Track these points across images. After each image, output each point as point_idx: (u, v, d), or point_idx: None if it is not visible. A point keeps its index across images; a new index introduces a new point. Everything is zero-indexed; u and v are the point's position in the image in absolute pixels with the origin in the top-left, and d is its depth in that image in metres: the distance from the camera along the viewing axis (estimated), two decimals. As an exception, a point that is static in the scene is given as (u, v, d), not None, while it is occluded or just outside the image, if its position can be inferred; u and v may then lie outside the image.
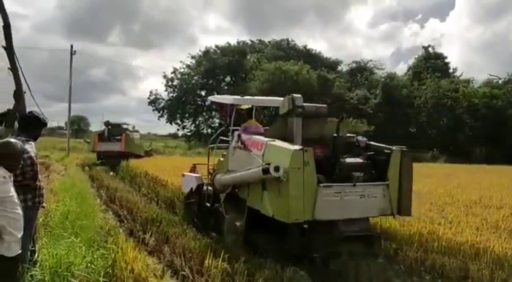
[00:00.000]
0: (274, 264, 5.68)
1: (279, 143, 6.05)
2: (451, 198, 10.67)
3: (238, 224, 6.82)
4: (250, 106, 7.91)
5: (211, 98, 9.51)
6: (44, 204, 4.66)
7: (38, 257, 4.47)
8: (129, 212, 9.52)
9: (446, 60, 55.98)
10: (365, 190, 6.02)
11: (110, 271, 4.73)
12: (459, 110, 45.48)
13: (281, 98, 7.22)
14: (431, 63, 53.56)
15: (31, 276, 4.09)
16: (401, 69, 63.00)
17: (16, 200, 3.41)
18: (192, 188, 8.60)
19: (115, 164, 20.79)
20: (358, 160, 6.34)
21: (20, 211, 3.42)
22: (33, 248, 4.44)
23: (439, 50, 61.27)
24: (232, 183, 6.87)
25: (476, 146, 43.44)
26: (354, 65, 59.79)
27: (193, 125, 55.89)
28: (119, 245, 5.39)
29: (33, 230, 4.48)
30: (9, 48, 4.90)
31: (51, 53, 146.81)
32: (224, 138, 7.83)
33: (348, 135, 7.06)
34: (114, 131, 24.38)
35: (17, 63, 4.93)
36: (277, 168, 5.44)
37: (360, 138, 6.94)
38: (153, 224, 8.05)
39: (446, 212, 8.58)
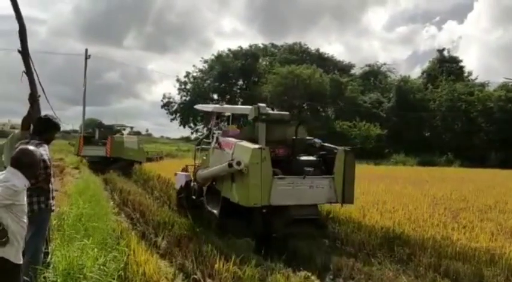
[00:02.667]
0: (286, 269, 5.67)
1: (244, 143, 7.30)
2: (465, 203, 10.54)
3: (215, 211, 8.11)
4: (230, 113, 9.42)
5: (196, 106, 11.33)
6: (53, 208, 4.68)
7: (51, 259, 4.50)
8: (142, 215, 9.56)
9: (462, 64, 55.54)
10: (313, 182, 7.20)
11: (122, 273, 4.75)
12: (474, 114, 44.98)
13: (250, 107, 8.43)
14: (446, 67, 53.11)
15: (44, 278, 4.13)
16: (417, 73, 62.43)
17: (25, 210, 3.44)
18: (181, 185, 9.95)
19: (101, 169, 19.42)
20: (311, 158, 7.64)
21: (26, 221, 3.45)
22: (46, 250, 4.49)
23: (456, 53, 60.95)
24: (210, 177, 8.23)
25: (492, 150, 42.83)
26: (367, 68, 59.50)
27: (205, 128, 56.12)
28: (131, 247, 5.42)
29: (46, 232, 4.53)
30: (24, 52, 4.96)
31: (67, 57, 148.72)
32: (207, 140, 9.33)
33: (307, 137, 8.22)
34: (106, 133, 22.13)
35: (32, 67, 4.99)
36: (238, 163, 6.74)
37: (316, 140, 8.13)
38: (165, 227, 8.08)
39: (461, 217, 8.46)
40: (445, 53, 56.33)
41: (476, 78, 53.62)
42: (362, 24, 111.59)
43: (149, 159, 24.54)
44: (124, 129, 24.76)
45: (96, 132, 23.06)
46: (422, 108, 47.51)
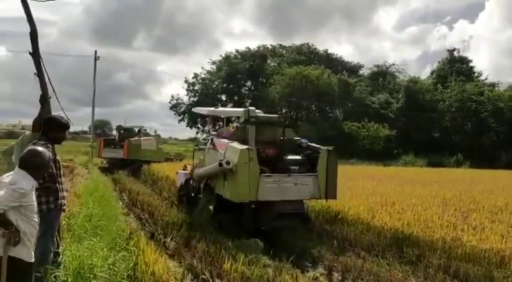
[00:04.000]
0: (294, 269, 5.67)
1: (234, 144, 7.78)
2: (475, 204, 10.46)
3: (210, 207, 8.75)
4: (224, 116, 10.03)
5: (193, 109, 12.18)
6: (64, 207, 4.71)
7: (61, 258, 4.54)
8: (151, 215, 9.61)
9: (472, 64, 55.10)
10: (298, 179, 7.69)
11: (131, 273, 4.78)
12: (484, 114, 44.60)
13: (242, 109, 8.88)
14: (456, 67, 52.71)
15: (55, 277, 4.17)
16: (427, 73, 61.85)
17: (35, 209, 3.48)
18: (181, 183, 10.70)
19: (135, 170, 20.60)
20: (297, 157, 8.08)
21: (37, 220, 3.49)
22: (56, 250, 4.53)
23: (467, 53, 60.01)
24: (205, 175, 8.79)
25: (502, 151, 42.44)
26: (375, 69, 59.18)
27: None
28: (140, 247, 5.44)
29: (55, 232, 4.56)
30: (35, 54, 5.02)
31: (76, 59, 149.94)
32: (204, 141, 10.05)
33: (295, 138, 8.69)
34: (126, 135, 23.19)
35: (43, 68, 5.04)
36: (228, 162, 7.35)
37: (302, 140, 8.60)
38: (173, 227, 8.11)
39: (471, 219, 8.41)
40: (455, 53, 55.94)
41: (486, 78, 53.23)
42: (372, 25, 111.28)
43: (169, 160, 25.00)
44: (145, 130, 25.43)
45: (116, 135, 24.03)
46: (432, 109, 47.17)
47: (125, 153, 21.73)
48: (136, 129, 25.04)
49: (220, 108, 11.02)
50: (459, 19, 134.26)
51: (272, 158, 8.05)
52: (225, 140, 8.27)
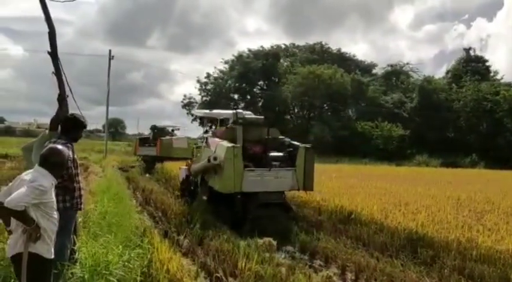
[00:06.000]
0: (307, 268, 5.67)
1: (223, 142, 8.78)
2: (490, 205, 10.33)
3: (204, 197, 9.94)
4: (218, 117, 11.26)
5: (193, 112, 15.89)
6: (80, 206, 4.78)
7: (78, 255, 4.61)
8: (164, 213, 9.69)
9: (488, 63, 54.25)
10: (278, 173, 8.71)
11: (146, 270, 4.83)
12: (499, 114, 43.92)
13: (231, 112, 10.17)
14: (471, 66, 52.01)
15: (72, 274, 4.23)
16: (443, 72, 60.94)
17: (54, 206, 3.54)
18: (183, 178, 11.86)
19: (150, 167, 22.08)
20: (279, 154, 9.08)
21: (57, 217, 3.55)
22: (73, 247, 4.59)
23: (485, 51, 58.73)
24: (199, 170, 9.86)
25: (518, 151, 41.74)
26: (389, 68, 58.63)
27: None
28: (154, 245, 5.50)
29: (71, 229, 4.63)
30: (53, 54, 5.08)
31: (91, 58, 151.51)
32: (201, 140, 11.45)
33: (280, 137, 9.59)
34: (159, 135, 25.02)
35: (61, 68, 5.10)
36: (215, 158, 8.49)
37: (286, 139, 9.58)
38: (187, 225, 8.18)
39: (486, 219, 8.31)
40: (471, 52, 55.17)
41: (502, 78, 52.44)
42: (389, 23, 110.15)
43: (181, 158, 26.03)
44: (178, 130, 27.37)
45: (151, 134, 25.80)
46: (446, 109, 46.61)
47: (157, 151, 23.47)
48: (170, 129, 26.87)
49: (214, 111, 12.33)
50: (477, 17, 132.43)
51: (258, 154, 8.97)
52: (217, 139, 9.29)
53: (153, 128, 26.21)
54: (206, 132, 11.86)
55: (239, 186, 8.41)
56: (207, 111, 12.49)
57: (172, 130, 26.74)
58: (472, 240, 6.74)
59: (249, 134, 9.23)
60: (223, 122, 11.04)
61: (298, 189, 9.06)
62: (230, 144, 8.53)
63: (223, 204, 9.11)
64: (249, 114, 10.11)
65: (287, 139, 9.56)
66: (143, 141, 25.38)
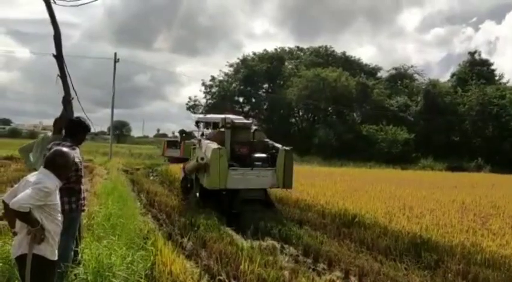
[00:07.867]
0: (311, 271, 5.65)
1: (211, 144, 9.73)
2: (496, 209, 10.28)
3: (197, 194, 10.87)
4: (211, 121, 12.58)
5: (191, 116, 16.42)
6: (84, 208, 4.80)
7: (81, 257, 4.62)
8: (168, 216, 9.70)
9: (493, 67, 54.14)
10: (260, 172, 9.69)
11: (149, 273, 4.84)
12: (505, 118, 43.67)
13: (221, 116, 11.45)
14: (477, 70, 51.80)
15: (75, 275, 4.25)
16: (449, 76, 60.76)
17: (59, 208, 3.55)
18: (182, 176, 12.87)
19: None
20: (262, 155, 10.03)
21: (61, 218, 3.57)
22: (76, 249, 4.61)
23: (493, 54, 58.13)
24: (192, 169, 10.80)
25: (524, 155, 41.48)
26: (394, 71, 58.50)
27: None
28: (158, 247, 5.50)
29: (76, 231, 4.65)
30: (59, 57, 5.12)
31: (97, 60, 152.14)
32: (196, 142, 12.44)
33: (265, 139, 10.64)
34: (186, 138, 26.34)
35: (66, 70, 5.14)
36: (202, 158, 9.55)
37: (269, 141, 10.57)
38: (190, 228, 8.18)
39: (491, 224, 8.26)
40: (476, 55, 54.96)
41: (508, 82, 52.21)
42: (396, 26, 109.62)
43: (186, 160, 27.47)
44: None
45: (179, 138, 27.53)
46: (451, 112, 46.43)
47: (181, 153, 25.01)
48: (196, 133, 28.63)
49: (208, 115, 14.19)
50: (485, 20, 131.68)
51: (244, 155, 9.99)
52: (207, 141, 10.26)
53: (182, 132, 27.51)
54: (202, 134, 13.19)
55: (224, 184, 9.37)
56: (201, 115, 14.68)
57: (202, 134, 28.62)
58: (476, 244, 6.70)
59: (237, 137, 10.25)
60: (216, 125, 11.97)
61: (278, 187, 10.01)
62: (216, 146, 9.49)
63: (212, 200, 10.04)
64: (239, 119, 11.25)
65: (270, 142, 10.53)
66: (171, 143, 27.40)
